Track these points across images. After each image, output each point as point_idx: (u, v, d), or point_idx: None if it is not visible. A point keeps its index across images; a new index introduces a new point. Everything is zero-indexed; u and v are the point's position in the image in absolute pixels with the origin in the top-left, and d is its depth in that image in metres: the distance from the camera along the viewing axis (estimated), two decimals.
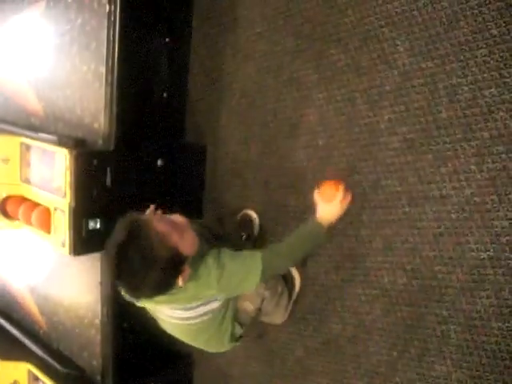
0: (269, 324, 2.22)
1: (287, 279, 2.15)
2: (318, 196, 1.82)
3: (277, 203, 2.17)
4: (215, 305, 1.78)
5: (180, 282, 1.55)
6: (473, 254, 1.66)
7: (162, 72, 2.26)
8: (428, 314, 1.79)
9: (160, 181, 2.19)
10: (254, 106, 2.20)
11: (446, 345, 1.75)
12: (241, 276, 1.69)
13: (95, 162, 1.98)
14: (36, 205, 2.11)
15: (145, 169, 2.14)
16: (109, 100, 2.05)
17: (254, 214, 2.26)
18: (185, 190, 2.31)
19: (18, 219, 2.19)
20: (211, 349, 2.00)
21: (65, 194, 1.95)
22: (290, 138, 2.09)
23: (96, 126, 2.10)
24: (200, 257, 1.64)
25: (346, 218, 1.86)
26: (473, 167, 1.63)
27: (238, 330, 1.97)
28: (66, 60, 2.25)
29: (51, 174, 2.03)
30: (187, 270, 1.55)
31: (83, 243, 2.00)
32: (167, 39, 2.24)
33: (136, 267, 1.45)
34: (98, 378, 2.26)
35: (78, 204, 1.95)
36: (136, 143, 2.13)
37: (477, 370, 1.69)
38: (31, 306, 2.66)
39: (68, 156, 1.93)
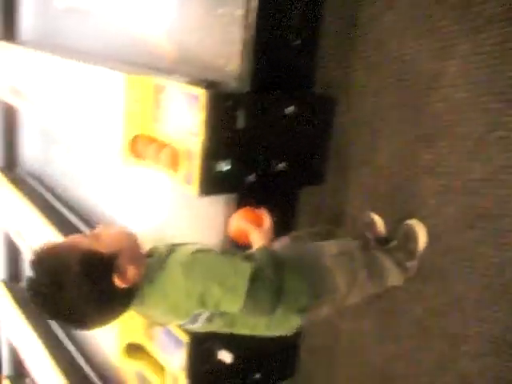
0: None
1: (409, 235, 2.09)
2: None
3: (407, 158, 2.10)
4: None
5: (118, 282, 1.38)
6: None
7: (296, 19, 2.21)
8: None
9: (289, 128, 2.16)
10: (390, 56, 2.12)
11: None
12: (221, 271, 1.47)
13: (229, 103, 1.98)
14: (165, 144, 2.15)
15: (275, 114, 2.12)
16: (244, 43, 2.04)
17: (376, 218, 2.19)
18: (311, 140, 2.27)
19: (147, 158, 2.24)
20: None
21: (197, 133, 1.97)
22: (428, 90, 2.00)
23: (230, 68, 2.10)
24: None
25: (483, 174, 1.76)
26: None
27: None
28: (200, 3, 2.26)
29: (184, 114, 2.05)
30: (127, 268, 1.39)
31: (211, 184, 2.02)
32: None
33: (55, 298, 1.33)
34: None
35: (209, 144, 1.97)
36: (268, 88, 2.11)
37: None
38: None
39: (204, 96, 1.94)
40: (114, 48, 2.85)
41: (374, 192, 2.23)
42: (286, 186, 2.29)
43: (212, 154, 1.99)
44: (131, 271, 1.40)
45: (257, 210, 1.75)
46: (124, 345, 2.68)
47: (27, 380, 4.95)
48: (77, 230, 3.27)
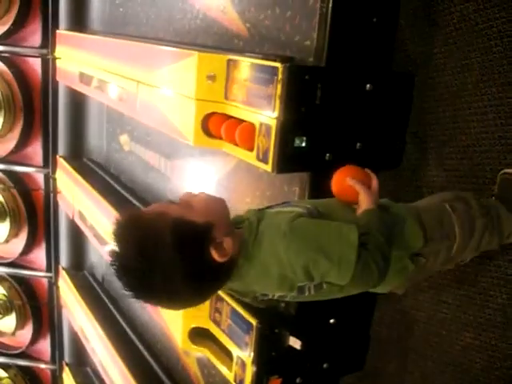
0: (469, 267, 2.08)
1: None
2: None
3: (492, 136, 2.00)
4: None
5: (216, 256, 1.26)
6: None
7: None
8: None
9: (367, 106, 2.09)
10: (476, 29, 2.02)
11: None
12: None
13: (307, 77, 1.93)
14: (240, 122, 2.11)
15: (353, 91, 2.05)
16: (324, 16, 1.98)
17: None
18: (389, 119, 2.19)
19: (220, 137, 2.20)
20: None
21: (274, 108, 1.92)
22: None
23: (307, 43, 2.05)
24: None
25: None
26: None
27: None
28: None
29: (259, 90, 2.01)
30: (224, 239, 1.27)
31: (287, 160, 1.97)
32: None
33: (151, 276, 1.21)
34: None
35: (286, 119, 1.91)
36: (346, 63, 2.05)
37: None
38: None
39: (281, 69, 1.89)
40: (184, 32, 2.85)
41: (456, 173, 2.12)
42: (362, 167, 2.21)
43: (289, 129, 1.94)
44: (229, 243, 1.28)
45: (365, 169, 1.62)
46: (188, 329, 2.66)
47: (87, 368, 5.03)
48: None
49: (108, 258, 1.29)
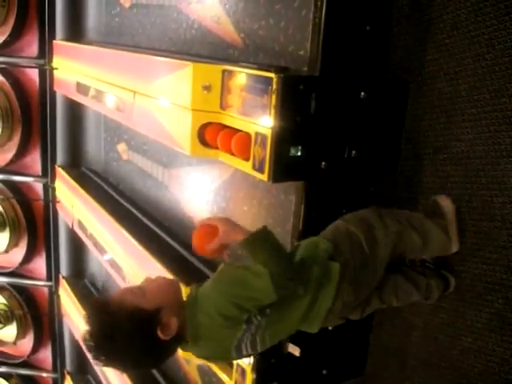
0: (465, 272, 2.10)
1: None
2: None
3: (486, 142, 2.01)
4: None
5: (161, 335, 1.57)
6: None
7: (366, 4, 2.16)
8: None
9: (361, 114, 2.11)
10: (468, 36, 2.04)
11: None
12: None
13: (301, 86, 1.95)
14: (236, 131, 2.13)
15: (347, 99, 2.07)
16: (317, 25, 2.00)
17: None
18: (384, 127, 2.21)
19: (216, 147, 2.22)
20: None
21: (269, 118, 1.94)
22: (510, 71, 1.91)
23: (301, 53, 2.07)
24: None
25: None
26: None
27: None
28: None
29: (254, 100, 2.03)
30: (170, 320, 1.58)
31: (283, 170, 1.98)
32: None
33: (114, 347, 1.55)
34: None
35: (281, 129, 1.93)
36: (340, 72, 2.07)
37: None
38: None
39: (275, 80, 1.91)
40: (180, 42, 2.87)
41: (450, 179, 2.14)
42: (358, 174, 2.23)
43: (284, 139, 1.95)
44: (174, 323, 1.58)
45: (208, 224, 1.75)
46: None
47: (89, 376, 5.03)
48: (143, 225, 3.31)
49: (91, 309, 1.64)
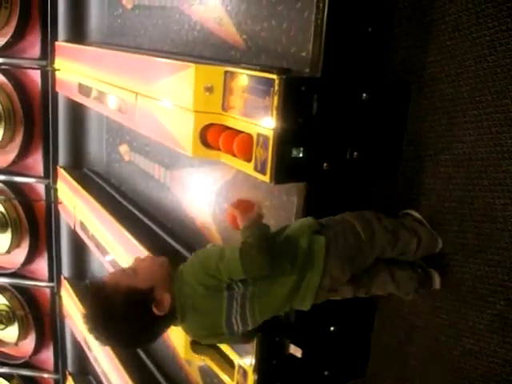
0: (467, 274, 2.10)
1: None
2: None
3: (488, 144, 2.01)
4: None
5: (156, 311, 1.67)
6: None
7: (368, 5, 2.16)
8: None
9: (363, 115, 2.11)
10: (469, 38, 2.04)
11: None
12: None
13: (303, 88, 1.95)
14: (238, 133, 2.13)
15: (349, 100, 2.07)
16: (319, 27, 2.00)
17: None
18: (385, 128, 2.21)
19: (218, 148, 2.22)
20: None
21: (271, 119, 1.94)
22: None
23: (303, 54, 2.08)
24: None
25: None
26: None
27: None
28: None
29: (257, 101, 2.03)
30: (163, 297, 1.68)
31: (285, 171, 1.99)
32: None
33: (112, 328, 1.66)
34: None
35: (283, 130, 1.94)
36: (342, 74, 2.07)
37: None
38: (215, 238, 2.76)
39: (277, 81, 1.91)
40: (182, 44, 2.87)
41: (452, 181, 2.14)
42: (360, 175, 2.23)
43: (286, 140, 1.96)
44: (167, 298, 1.68)
45: (249, 201, 1.90)
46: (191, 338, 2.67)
47: (90, 377, 5.04)
48: (144, 226, 3.32)
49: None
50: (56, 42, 4.11)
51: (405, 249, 2.07)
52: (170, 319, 1.76)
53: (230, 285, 1.72)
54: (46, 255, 5.05)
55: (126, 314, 1.65)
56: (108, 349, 3.93)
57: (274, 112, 1.93)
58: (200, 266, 1.73)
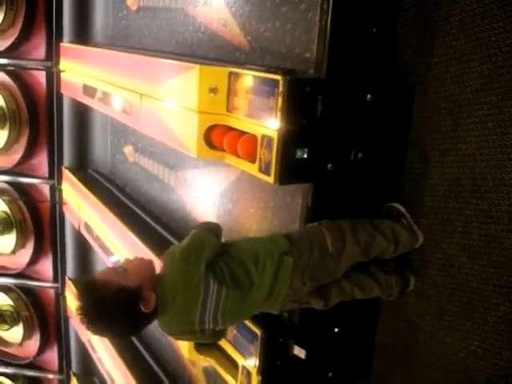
0: (472, 275, 2.09)
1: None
2: None
3: (493, 145, 2.01)
4: None
5: (144, 309, 1.79)
6: None
7: (373, 6, 2.16)
8: None
9: (368, 116, 2.11)
10: (474, 39, 2.04)
11: None
12: None
13: (307, 89, 1.95)
14: (242, 134, 2.13)
15: (353, 101, 2.07)
16: (323, 28, 2.00)
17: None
18: (390, 129, 2.21)
19: (223, 149, 2.22)
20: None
21: (275, 120, 1.94)
22: None
23: (307, 55, 2.08)
24: None
25: None
26: None
27: None
28: None
29: (261, 102, 2.03)
30: (149, 295, 1.80)
31: (289, 172, 1.99)
32: None
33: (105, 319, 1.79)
34: None
35: (287, 131, 1.94)
36: (346, 74, 2.07)
37: None
38: None
39: (282, 82, 1.91)
40: (187, 45, 2.88)
41: (457, 182, 2.13)
42: (364, 176, 2.23)
43: (290, 141, 1.96)
44: (153, 297, 1.80)
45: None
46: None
47: (95, 378, 5.04)
48: (149, 227, 3.32)
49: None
50: (61, 44, 4.13)
51: (380, 255, 2.16)
52: (153, 316, 1.88)
53: (207, 277, 1.86)
54: (50, 256, 5.06)
55: (117, 309, 1.77)
56: (112, 349, 3.95)
57: (279, 113, 1.93)
58: (179, 252, 1.90)
